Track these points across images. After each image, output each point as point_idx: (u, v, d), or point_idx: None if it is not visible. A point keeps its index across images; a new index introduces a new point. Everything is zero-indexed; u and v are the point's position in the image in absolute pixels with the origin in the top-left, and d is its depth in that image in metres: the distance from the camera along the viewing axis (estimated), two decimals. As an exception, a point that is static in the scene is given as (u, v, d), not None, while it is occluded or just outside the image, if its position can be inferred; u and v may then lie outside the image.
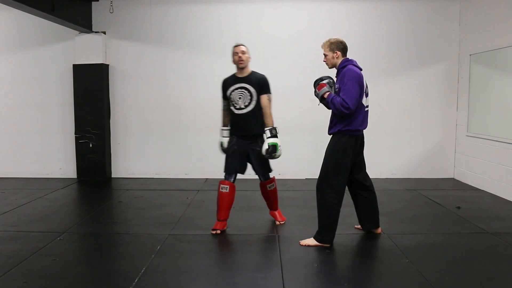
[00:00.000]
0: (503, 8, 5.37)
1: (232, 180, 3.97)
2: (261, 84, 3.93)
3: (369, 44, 6.43)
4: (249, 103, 3.92)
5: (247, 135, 3.98)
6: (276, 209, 4.36)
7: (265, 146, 3.88)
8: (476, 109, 6.06)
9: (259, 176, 4.13)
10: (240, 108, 3.94)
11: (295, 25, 6.48)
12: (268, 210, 4.42)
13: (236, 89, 3.93)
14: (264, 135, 3.96)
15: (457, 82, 6.52)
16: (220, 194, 3.95)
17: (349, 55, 3.70)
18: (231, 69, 4.06)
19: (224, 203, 3.94)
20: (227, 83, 4.00)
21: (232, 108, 3.99)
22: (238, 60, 3.91)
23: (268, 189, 4.21)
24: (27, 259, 3.36)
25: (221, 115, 4.16)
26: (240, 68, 3.96)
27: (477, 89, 6.02)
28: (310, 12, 6.47)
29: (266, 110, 3.95)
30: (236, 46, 3.97)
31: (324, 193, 3.59)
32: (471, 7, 6.14)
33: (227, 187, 3.91)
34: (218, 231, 3.94)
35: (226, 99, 4.03)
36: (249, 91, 3.91)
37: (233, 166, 3.95)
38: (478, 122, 6.01)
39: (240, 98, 3.93)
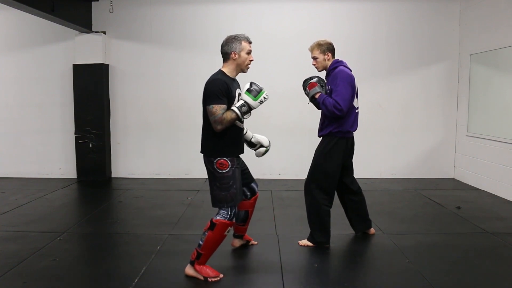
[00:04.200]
0: (503, 8, 5.37)
1: None
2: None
3: (369, 44, 6.43)
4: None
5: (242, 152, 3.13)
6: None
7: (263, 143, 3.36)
8: (476, 109, 6.06)
9: (252, 189, 3.36)
10: (242, 121, 3.03)
11: (295, 25, 6.47)
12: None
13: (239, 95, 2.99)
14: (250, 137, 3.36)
15: (457, 82, 6.52)
16: (222, 238, 2.99)
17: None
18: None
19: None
20: (229, 85, 2.93)
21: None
22: (250, 63, 3.04)
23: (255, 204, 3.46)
24: (27, 259, 3.35)
25: (225, 115, 2.84)
26: (239, 72, 3.06)
27: (477, 89, 6.02)
28: (310, 12, 6.46)
29: None
30: (249, 42, 3.04)
31: (313, 193, 3.56)
32: (471, 7, 6.14)
33: (230, 230, 3.01)
34: (221, 275, 3.03)
35: (229, 103, 2.91)
36: None
37: (241, 193, 3.09)
38: (478, 122, 6.01)
39: None
